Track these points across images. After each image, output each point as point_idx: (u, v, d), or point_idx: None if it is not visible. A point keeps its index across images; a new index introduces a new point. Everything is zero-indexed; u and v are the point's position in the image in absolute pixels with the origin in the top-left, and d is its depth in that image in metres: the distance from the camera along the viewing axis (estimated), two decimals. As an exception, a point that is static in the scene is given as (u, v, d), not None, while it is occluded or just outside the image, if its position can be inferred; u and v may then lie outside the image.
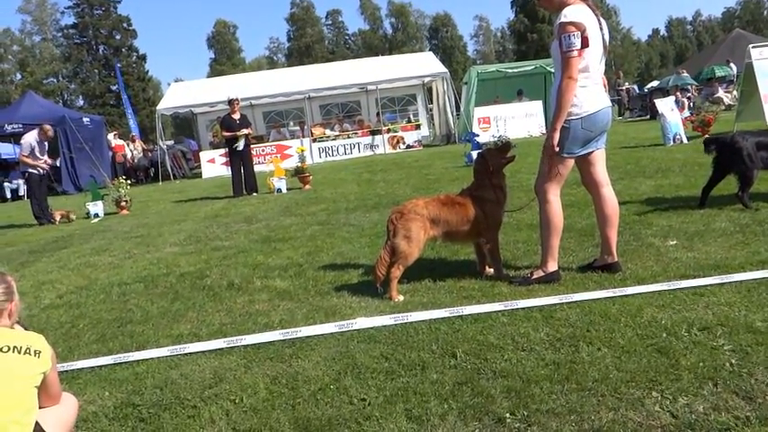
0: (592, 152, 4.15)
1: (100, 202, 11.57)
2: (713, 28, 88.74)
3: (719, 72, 26.40)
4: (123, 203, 11.56)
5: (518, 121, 20.76)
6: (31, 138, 11.27)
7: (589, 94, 3.99)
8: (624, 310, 3.46)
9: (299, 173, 12.39)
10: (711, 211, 5.62)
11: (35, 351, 2.17)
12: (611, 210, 4.21)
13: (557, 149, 3.97)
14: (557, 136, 3.95)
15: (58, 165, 21.29)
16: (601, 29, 4.01)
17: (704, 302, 3.47)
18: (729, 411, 2.40)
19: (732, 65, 25.86)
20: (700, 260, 4.25)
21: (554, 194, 4.14)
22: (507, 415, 2.54)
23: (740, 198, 5.63)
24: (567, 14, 3.85)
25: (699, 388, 2.59)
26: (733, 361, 2.77)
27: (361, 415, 2.68)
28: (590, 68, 3.96)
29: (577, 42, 3.80)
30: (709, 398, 2.51)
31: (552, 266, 4.19)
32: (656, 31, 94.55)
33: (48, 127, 11.67)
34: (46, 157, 11.56)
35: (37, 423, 2.29)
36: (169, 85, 29.49)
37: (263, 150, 20.45)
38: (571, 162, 4.14)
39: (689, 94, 22.97)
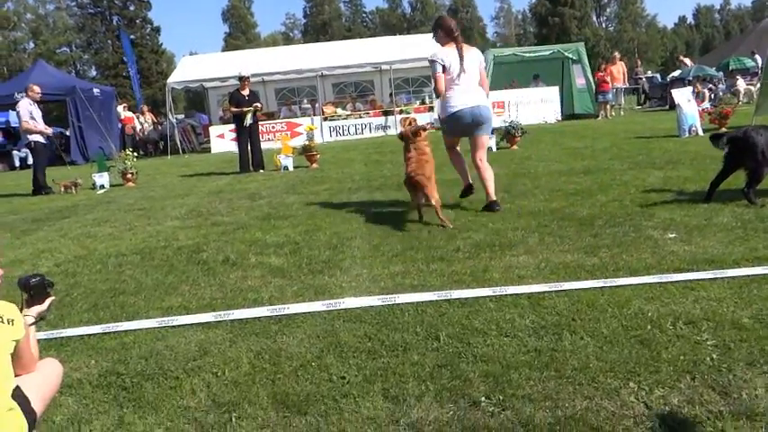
0: (474, 137, 6.29)
1: (106, 174, 11.62)
2: (742, 17, 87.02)
3: (734, 65, 25.83)
4: (129, 176, 11.61)
5: (533, 106, 20.48)
6: (24, 103, 11.30)
7: (454, 98, 6.15)
8: (612, 301, 3.45)
9: (306, 151, 12.37)
10: (716, 206, 5.57)
11: (8, 320, 2.19)
12: (488, 176, 6.25)
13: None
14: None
15: (66, 133, 21.38)
16: (461, 59, 6.10)
17: (694, 296, 3.45)
18: (704, 405, 2.40)
19: (757, 56, 25.26)
20: (696, 254, 4.22)
21: (453, 153, 6.76)
22: (483, 399, 2.56)
23: (746, 194, 5.55)
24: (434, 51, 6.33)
25: (676, 381, 2.59)
26: (714, 356, 2.77)
27: (339, 392, 2.71)
28: (456, 82, 6.13)
29: (438, 68, 6.13)
30: (685, 391, 2.51)
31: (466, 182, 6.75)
32: (682, 19, 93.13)
33: (33, 85, 11.66)
34: (44, 126, 11.58)
35: (18, 387, 2.32)
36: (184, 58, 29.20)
37: (272, 127, 20.41)
38: (452, 139, 6.65)
39: (710, 86, 22.57)
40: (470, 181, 6.74)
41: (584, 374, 2.69)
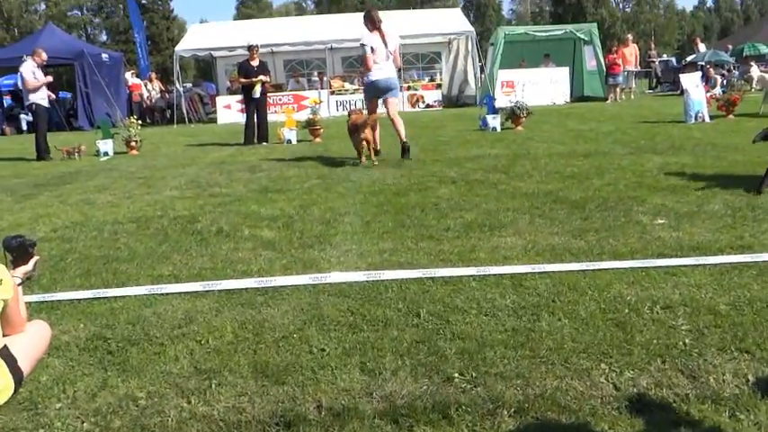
0: (386, 98, 8.66)
1: (110, 141, 11.67)
2: (764, 1, 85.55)
3: (749, 51, 25.49)
4: (133, 143, 11.66)
5: (543, 86, 20.29)
6: (28, 64, 11.31)
7: (375, 72, 8.42)
8: (593, 284, 3.50)
9: (310, 125, 12.37)
10: (709, 192, 5.59)
11: None
12: (398, 125, 8.55)
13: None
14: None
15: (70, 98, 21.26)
16: (384, 41, 8.37)
17: (674, 282, 3.49)
18: (671, 388, 2.46)
19: None
20: (682, 240, 4.25)
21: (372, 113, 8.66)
22: (456, 375, 2.62)
23: (762, 183, 5.51)
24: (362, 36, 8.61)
25: (647, 364, 2.64)
26: (687, 341, 2.81)
27: (317, 364, 2.77)
28: (377, 61, 8.37)
29: (368, 50, 8.34)
30: (654, 374, 2.56)
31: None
32: (702, 2, 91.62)
33: (40, 50, 11.65)
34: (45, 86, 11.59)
35: (6, 347, 2.39)
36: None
37: (279, 99, 20.35)
38: (373, 103, 8.84)
39: (723, 72, 22.29)
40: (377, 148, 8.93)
41: (558, 354, 2.74)
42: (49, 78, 11.72)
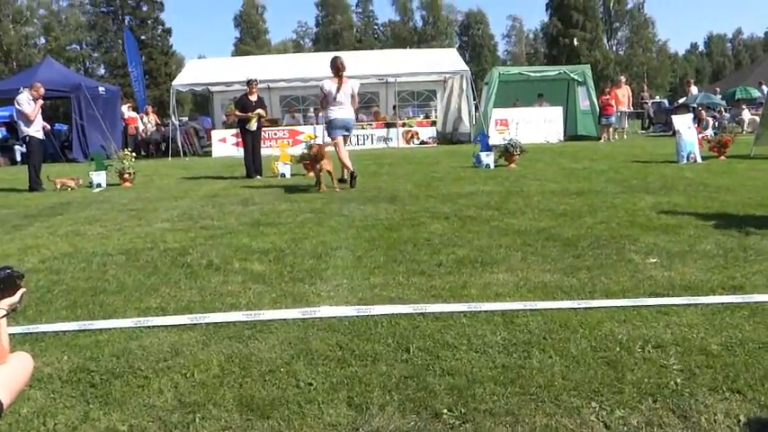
0: (339, 136, 9.94)
1: (103, 173, 11.66)
2: (754, 47, 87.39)
3: (740, 94, 25.93)
4: (126, 176, 11.65)
5: (536, 125, 20.52)
6: (25, 95, 11.36)
7: (332, 112, 9.73)
8: (585, 322, 3.47)
9: (303, 159, 12.42)
10: (701, 233, 5.60)
11: None
12: (347, 159, 9.89)
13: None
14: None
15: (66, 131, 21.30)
16: (340, 87, 9.67)
17: (666, 321, 3.47)
18: (662, 428, 2.42)
19: (764, 87, 25.34)
20: (674, 280, 4.25)
21: (339, 146, 9.97)
22: (445, 411, 2.58)
23: None
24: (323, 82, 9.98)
25: (638, 402, 2.61)
26: (678, 380, 2.78)
27: (304, 398, 2.73)
28: (335, 102, 9.70)
29: (322, 93, 9.87)
30: (645, 413, 2.53)
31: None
32: (694, 46, 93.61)
33: (38, 84, 11.71)
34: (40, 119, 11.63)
35: (-14, 378, 2.34)
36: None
37: (274, 134, 20.48)
38: (336, 139, 9.95)
39: (715, 113, 22.62)
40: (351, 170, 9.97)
41: (548, 392, 2.71)
42: (40, 102, 11.74)
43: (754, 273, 4.35)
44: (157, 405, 2.72)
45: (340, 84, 9.65)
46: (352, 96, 9.84)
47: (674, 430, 2.40)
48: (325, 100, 9.77)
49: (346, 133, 10.17)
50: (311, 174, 12.09)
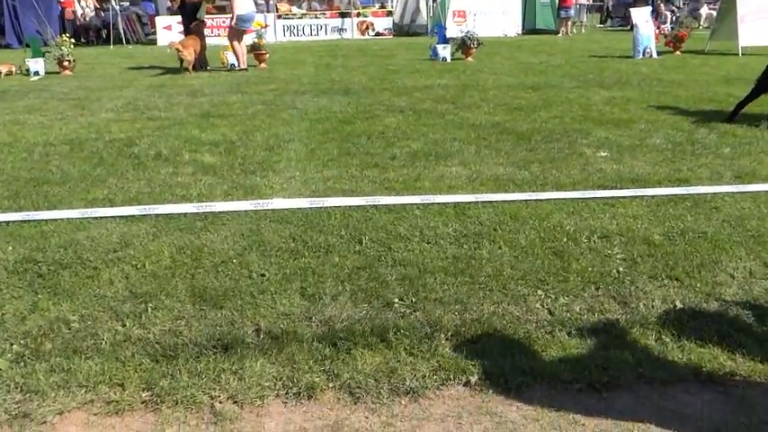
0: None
1: (41, 60, 10.97)
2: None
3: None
4: (66, 63, 11.00)
5: (494, 17, 20.00)
6: None
7: (240, 8, 10.65)
8: (534, 214, 3.54)
9: (255, 50, 11.90)
10: (651, 127, 5.69)
11: None
12: (241, 54, 11.03)
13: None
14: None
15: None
16: None
17: (612, 213, 3.57)
18: (602, 313, 2.54)
19: None
20: (623, 173, 4.33)
21: (236, 43, 10.95)
22: (396, 300, 2.64)
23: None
24: None
25: (582, 290, 2.71)
26: (621, 269, 2.90)
27: (257, 289, 2.74)
28: None
29: None
30: (588, 300, 2.64)
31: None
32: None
33: None
34: None
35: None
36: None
37: (222, 22, 19.49)
38: (239, 33, 10.95)
39: (674, 8, 22.43)
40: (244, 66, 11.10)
41: (497, 281, 2.79)
42: None
43: (700, 166, 4.47)
44: (108, 295, 2.70)
45: None
46: None
47: (614, 315, 2.52)
48: None
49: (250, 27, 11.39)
50: (263, 65, 11.69)
